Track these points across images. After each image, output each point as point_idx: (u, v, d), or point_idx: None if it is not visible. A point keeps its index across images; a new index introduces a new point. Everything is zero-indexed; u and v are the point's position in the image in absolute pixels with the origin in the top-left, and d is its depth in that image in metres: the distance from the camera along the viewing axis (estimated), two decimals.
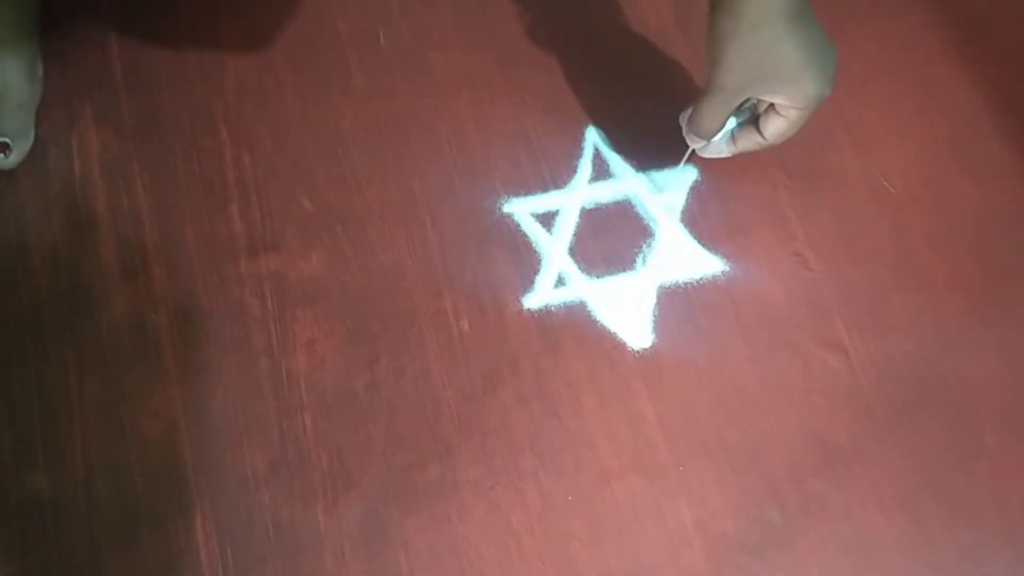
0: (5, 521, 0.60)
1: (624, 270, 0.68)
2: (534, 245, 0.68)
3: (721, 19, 0.55)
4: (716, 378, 0.65)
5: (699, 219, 0.70)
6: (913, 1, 0.78)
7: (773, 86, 0.57)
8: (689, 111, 0.63)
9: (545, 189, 0.70)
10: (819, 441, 0.64)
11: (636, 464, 0.63)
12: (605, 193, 0.70)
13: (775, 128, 0.61)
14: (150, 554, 0.59)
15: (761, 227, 0.70)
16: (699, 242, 0.69)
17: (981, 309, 0.68)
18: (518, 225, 0.69)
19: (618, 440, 0.63)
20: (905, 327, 0.67)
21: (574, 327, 0.66)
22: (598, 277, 0.68)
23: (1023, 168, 0.73)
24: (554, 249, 0.68)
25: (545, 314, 0.66)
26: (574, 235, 0.69)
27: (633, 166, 0.71)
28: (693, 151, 0.66)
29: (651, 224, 0.69)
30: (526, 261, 0.68)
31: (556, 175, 0.70)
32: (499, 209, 0.69)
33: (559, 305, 0.67)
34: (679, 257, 0.68)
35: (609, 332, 0.66)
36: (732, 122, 0.64)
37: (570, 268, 0.68)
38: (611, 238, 0.69)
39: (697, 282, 0.68)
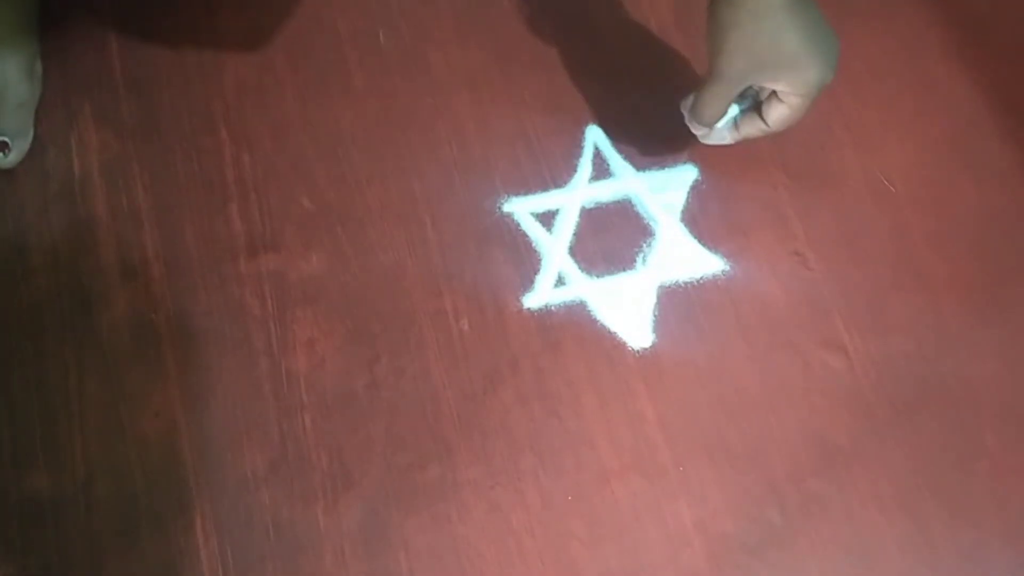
0: (5, 521, 0.60)
1: (624, 270, 0.68)
2: (534, 245, 0.68)
3: (721, 8, 0.55)
4: (716, 378, 0.65)
5: (699, 219, 0.70)
6: (914, 1, 0.78)
7: (775, 73, 0.57)
8: (691, 99, 0.62)
9: (545, 188, 0.70)
10: (819, 441, 0.64)
11: (636, 464, 0.63)
12: (605, 192, 0.70)
13: (777, 115, 0.60)
14: (150, 554, 0.59)
15: (761, 227, 0.70)
16: (699, 242, 0.69)
17: (981, 309, 0.68)
18: (518, 225, 0.69)
19: (618, 440, 0.63)
20: (905, 327, 0.67)
21: (574, 327, 0.66)
22: (598, 277, 0.68)
23: (1023, 168, 0.73)
24: (554, 249, 0.68)
25: (545, 314, 0.66)
26: (574, 235, 0.69)
27: (633, 165, 0.71)
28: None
29: (651, 223, 0.69)
30: (526, 261, 0.68)
31: (556, 174, 0.70)
32: (499, 209, 0.69)
33: (559, 305, 0.67)
34: (679, 257, 0.68)
35: (609, 332, 0.66)
36: (734, 109, 0.64)
37: (570, 268, 0.68)
38: (611, 237, 0.69)
39: (697, 282, 0.68)
